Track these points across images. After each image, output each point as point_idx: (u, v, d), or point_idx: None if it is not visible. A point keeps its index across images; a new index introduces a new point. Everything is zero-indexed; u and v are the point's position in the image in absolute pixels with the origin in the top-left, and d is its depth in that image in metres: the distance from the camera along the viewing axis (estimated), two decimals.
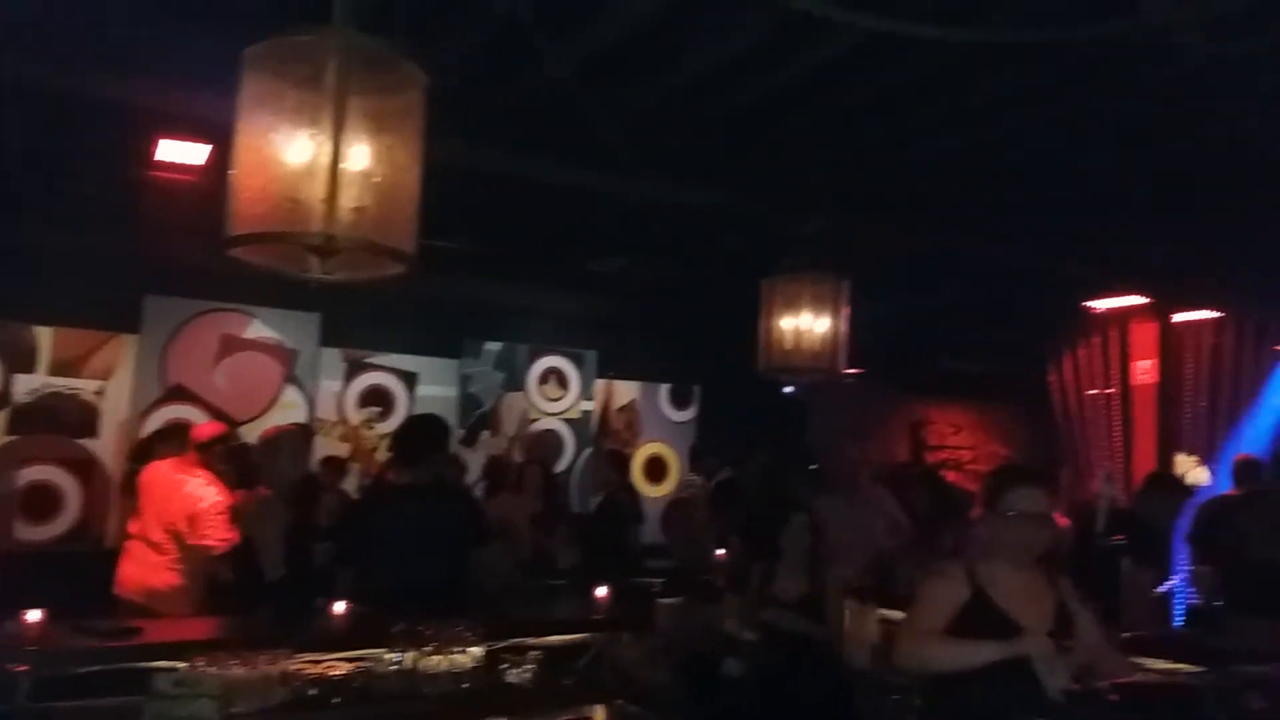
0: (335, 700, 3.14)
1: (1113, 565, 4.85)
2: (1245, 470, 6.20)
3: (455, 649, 3.31)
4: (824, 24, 3.55)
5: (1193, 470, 8.50)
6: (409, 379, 7.82)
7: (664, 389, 8.99)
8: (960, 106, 4.77)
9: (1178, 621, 6.29)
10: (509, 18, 3.84)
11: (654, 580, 5.56)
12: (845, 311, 5.35)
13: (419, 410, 7.28)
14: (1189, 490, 6.34)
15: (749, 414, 8.30)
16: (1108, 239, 6.20)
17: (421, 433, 4.53)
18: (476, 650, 3.37)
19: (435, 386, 7.91)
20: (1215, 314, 7.30)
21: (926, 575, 3.01)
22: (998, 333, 8.32)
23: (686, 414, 9.07)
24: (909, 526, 5.95)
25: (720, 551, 5.97)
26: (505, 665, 3.41)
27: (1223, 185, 5.46)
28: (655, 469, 8.85)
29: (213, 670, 2.92)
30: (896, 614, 3.93)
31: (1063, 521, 5.56)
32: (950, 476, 10.72)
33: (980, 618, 2.74)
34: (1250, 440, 8.58)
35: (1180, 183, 5.55)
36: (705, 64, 4.39)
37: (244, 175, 2.56)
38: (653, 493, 8.64)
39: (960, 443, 10.98)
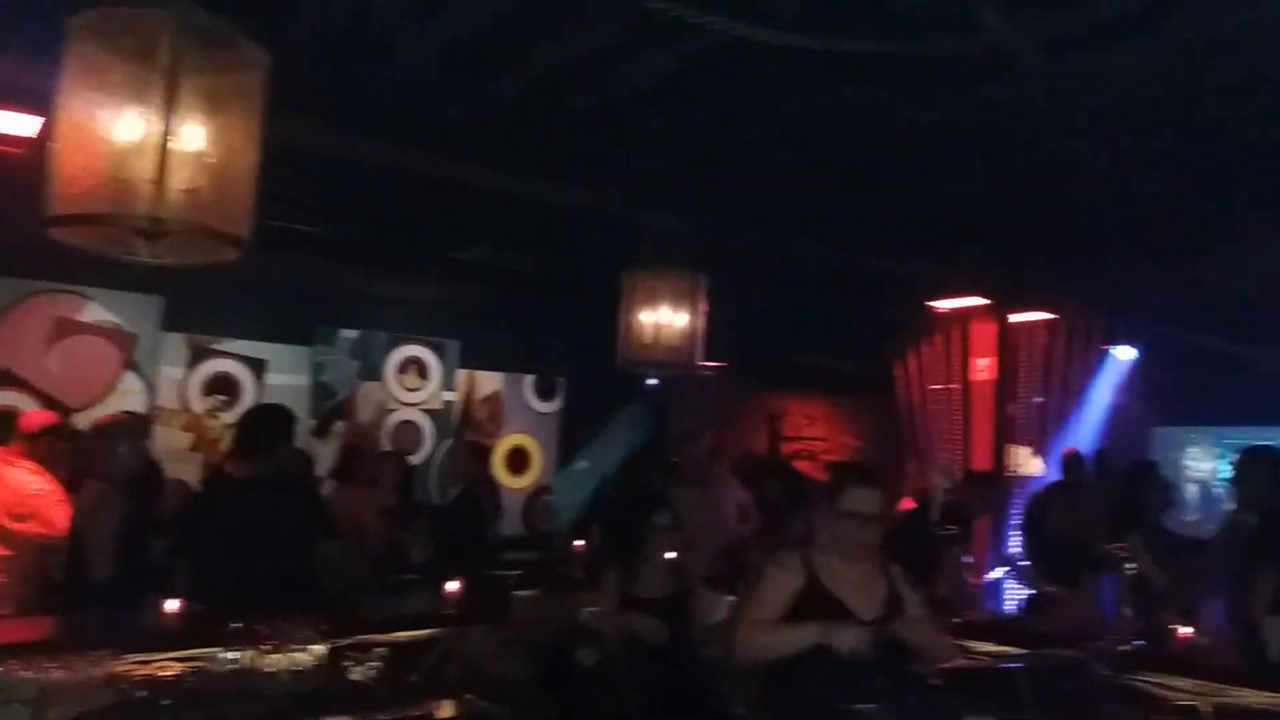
0: (165, 702, 3.00)
1: (944, 553, 5.13)
2: (1069, 463, 6.64)
3: (295, 647, 3.22)
4: (680, 24, 3.60)
5: (1027, 461, 9.06)
6: (258, 366, 7.54)
7: (528, 380, 8.95)
8: (812, 112, 4.93)
9: (1009, 606, 6.69)
10: (362, 2, 3.75)
11: (511, 573, 5.54)
12: (703, 307, 5.47)
13: (268, 399, 7.02)
14: (999, 484, 6.71)
15: (613, 406, 8.37)
16: (950, 244, 6.52)
17: (264, 423, 4.38)
18: (318, 648, 3.29)
19: (286, 375, 7.64)
20: (1048, 315, 7.78)
21: (766, 564, 3.12)
22: (850, 329, 8.66)
23: (551, 405, 9.05)
24: (760, 516, 6.13)
25: (578, 543, 6.01)
26: (349, 663, 3.33)
27: (1056, 196, 5.82)
28: (518, 460, 8.80)
29: (27, 674, 2.76)
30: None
31: (908, 504, 5.85)
32: (804, 466, 11.12)
33: (813, 605, 2.85)
34: (1080, 433, 9.22)
35: (1016, 193, 5.88)
36: (564, 59, 4.39)
37: (66, 151, 2.43)
38: (515, 484, 8.61)
39: (815, 434, 11.34)
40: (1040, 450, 8.77)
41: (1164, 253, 6.25)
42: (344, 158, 5.01)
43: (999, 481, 6.22)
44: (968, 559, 5.36)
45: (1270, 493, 4.65)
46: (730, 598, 4.45)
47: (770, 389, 11.16)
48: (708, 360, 5.64)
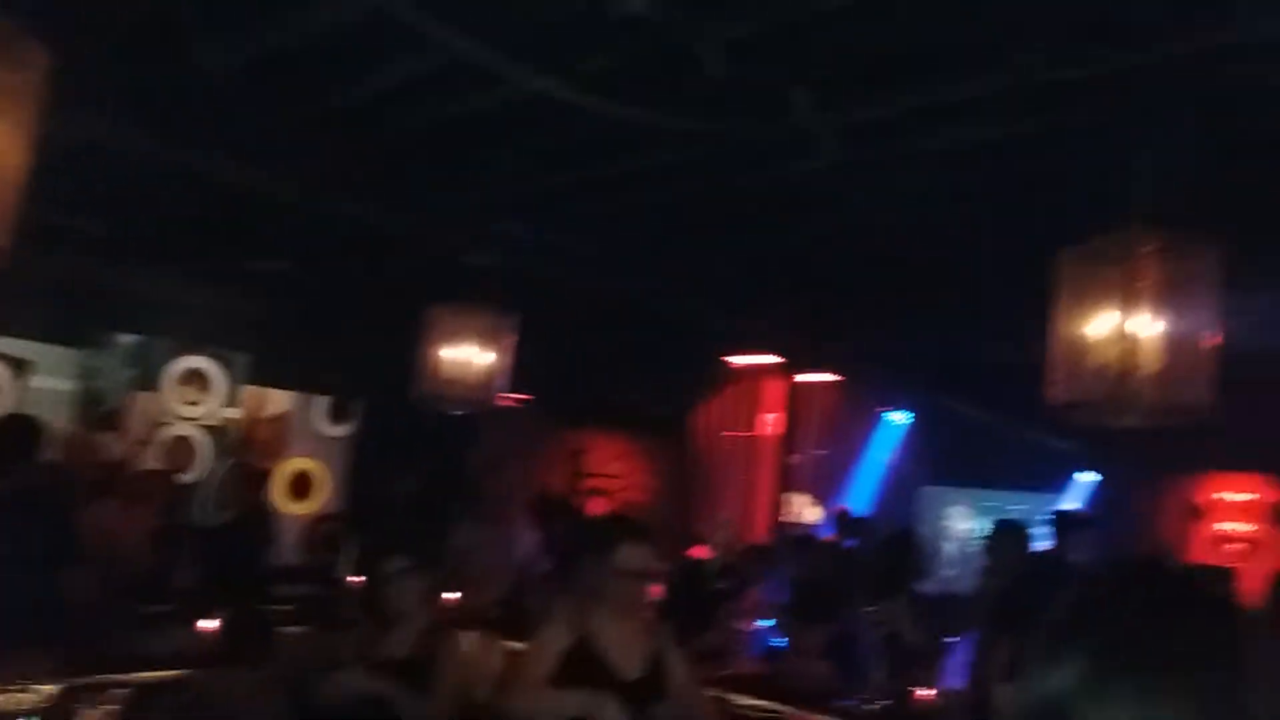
0: None
1: (719, 607, 5.30)
2: (841, 521, 7.03)
3: (17, 685, 2.96)
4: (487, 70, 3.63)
5: (807, 508, 9.53)
6: (20, 367, 6.92)
7: (320, 401, 8.60)
8: (627, 165, 5.06)
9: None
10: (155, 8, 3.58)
11: (280, 607, 5.28)
12: (510, 343, 5.46)
13: (30, 403, 6.44)
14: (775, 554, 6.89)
15: (412, 434, 8.18)
16: (749, 302, 6.83)
17: (8, 437, 4.02)
18: (47, 688, 3.03)
19: (52, 378, 7.05)
20: (832, 377, 8.27)
21: (542, 621, 3.13)
22: (655, 373, 8.86)
23: (342, 429, 8.73)
24: (549, 558, 6.13)
25: (354, 579, 5.81)
26: (81, 705, 3.09)
27: (843, 265, 6.20)
28: (301, 485, 8.43)
29: None
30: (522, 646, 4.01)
31: (700, 552, 6.00)
32: (601, 504, 11.23)
33: (580, 665, 2.88)
34: (857, 488, 9.81)
35: (812, 259, 6.24)
36: (386, 83, 4.33)
37: None
38: (297, 510, 8.24)
39: (615, 471, 11.49)
40: (820, 500, 9.26)
41: (935, 325, 6.77)
42: (133, 157, 4.72)
43: (776, 553, 6.42)
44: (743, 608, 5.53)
45: (1016, 562, 5.04)
46: (507, 642, 4.44)
47: (574, 425, 11.24)
48: (513, 393, 5.64)
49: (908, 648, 4.84)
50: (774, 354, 7.76)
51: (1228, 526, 10.33)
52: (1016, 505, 11.25)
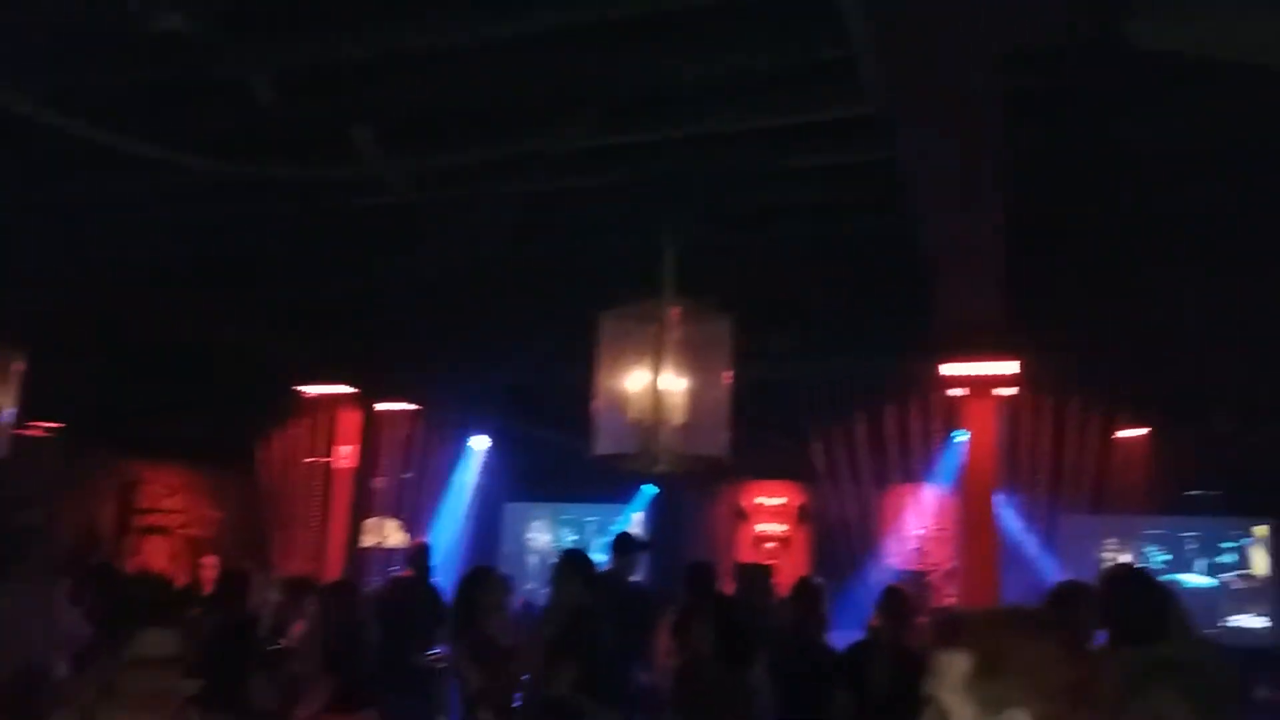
0: None
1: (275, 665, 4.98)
2: (415, 556, 6.93)
3: None
4: None
5: (394, 534, 9.39)
6: None
7: None
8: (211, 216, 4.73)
9: None
10: None
11: None
12: (15, 372, 4.80)
13: None
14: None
15: None
16: (322, 333, 6.61)
17: None
18: None
19: None
20: (410, 406, 8.24)
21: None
22: (222, 402, 8.26)
23: None
24: (86, 630, 5.31)
25: None
26: None
27: (415, 299, 6.20)
28: None
29: None
30: None
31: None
32: (159, 542, 10.19)
33: None
34: (445, 512, 9.85)
35: (387, 293, 6.16)
36: None
37: None
38: None
39: (174, 506, 10.50)
40: (407, 526, 9.16)
41: (504, 354, 7.01)
42: None
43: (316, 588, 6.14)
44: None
45: (580, 594, 5.24)
46: None
47: (126, 455, 10.10)
48: (44, 421, 4.96)
49: (471, 688, 4.88)
50: (349, 384, 7.59)
51: (765, 528, 11.77)
52: (590, 517, 12.02)
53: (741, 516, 11.94)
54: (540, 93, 3.65)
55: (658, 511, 11.77)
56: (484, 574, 5.63)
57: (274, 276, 5.85)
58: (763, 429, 8.75)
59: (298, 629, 5.11)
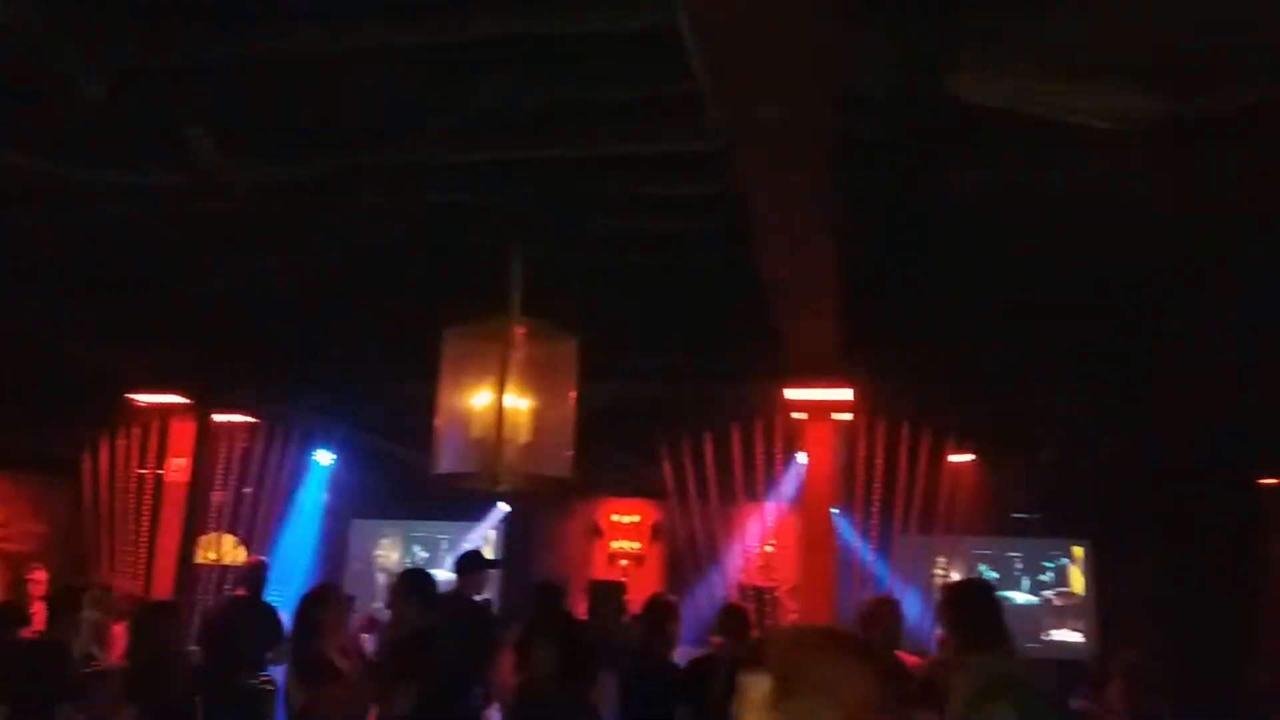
0: None
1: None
2: (250, 574, 6.68)
3: None
4: None
5: (233, 550, 8.99)
6: None
7: None
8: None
9: None
10: None
11: None
12: None
13: None
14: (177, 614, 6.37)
15: None
16: (154, 340, 6.32)
17: None
18: None
19: None
20: (249, 418, 7.94)
21: None
22: (44, 408, 7.79)
23: None
24: None
25: None
26: None
27: (259, 309, 5.99)
28: None
29: None
30: None
31: None
32: None
33: None
34: (289, 528, 9.50)
35: (224, 300, 5.92)
36: None
37: None
38: None
39: None
40: (246, 542, 8.78)
41: (352, 368, 6.85)
42: None
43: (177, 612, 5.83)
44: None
45: (418, 615, 5.14)
46: None
47: None
48: None
49: (294, 708, 4.72)
50: (182, 394, 7.25)
51: (620, 545, 11.86)
52: (442, 535, 11.84)
53: (596, 533, 12.00)
54: (387, 107, 3.60)
55: (512, 529, 11.70)
56: (324, 591, 5.44)
57: (107, 282, 5.55)
58: (617, 448, 8.84)
59: (115, 652, 4.84)
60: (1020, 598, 10.98)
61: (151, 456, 7.37)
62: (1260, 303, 5.10)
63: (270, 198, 4.35)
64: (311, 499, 9.83)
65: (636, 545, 11.80)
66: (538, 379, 4.00)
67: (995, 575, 10.90)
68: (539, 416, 4.01)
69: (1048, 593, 11.19)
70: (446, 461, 4.03)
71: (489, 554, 11.42)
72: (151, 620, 4.82)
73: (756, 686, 1.59)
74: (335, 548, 11.03)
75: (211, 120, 3.76)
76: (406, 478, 9.79)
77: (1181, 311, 5.34)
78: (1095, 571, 10.89)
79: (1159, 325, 5.53)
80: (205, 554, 8.38)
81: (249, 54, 3.38)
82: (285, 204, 4.54)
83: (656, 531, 11.72)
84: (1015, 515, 10.43)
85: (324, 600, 5.34)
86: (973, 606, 3.64)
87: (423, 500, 10.17)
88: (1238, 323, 5.48)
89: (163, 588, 7.42)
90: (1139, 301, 5.28)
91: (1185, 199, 3.94)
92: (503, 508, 11.49)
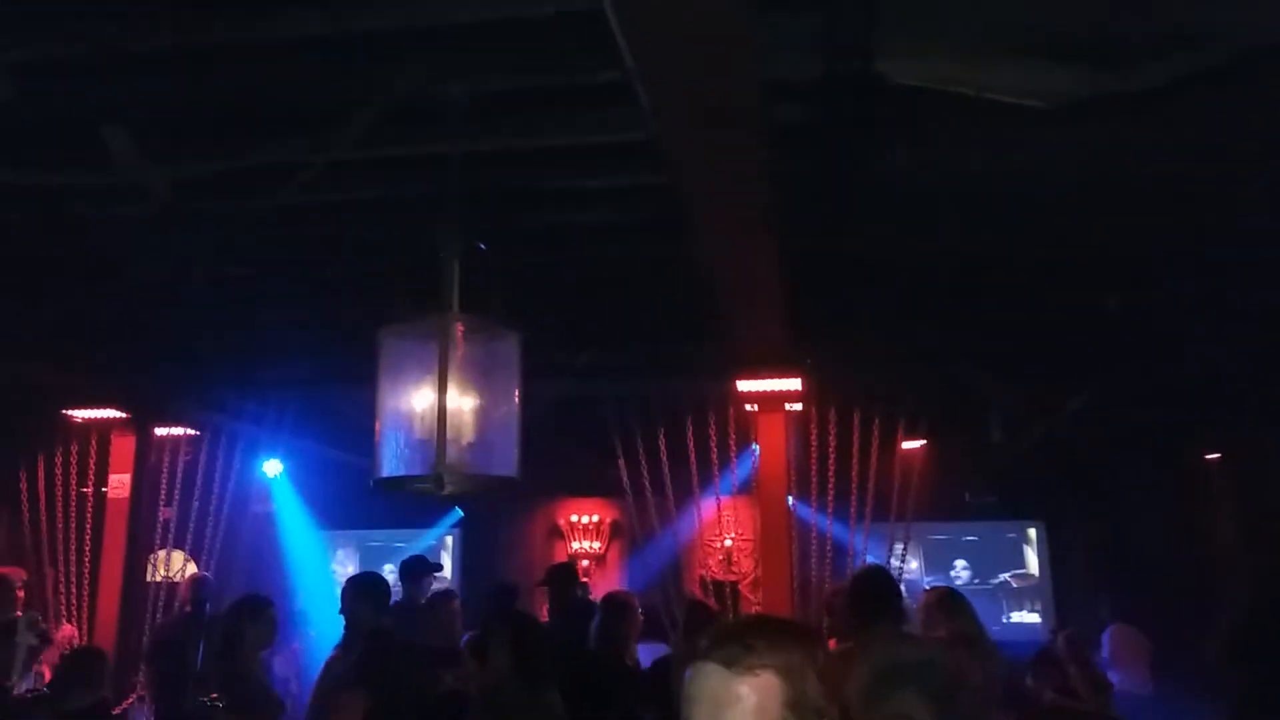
0: None
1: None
2: (193, 589, 6.53)
3: None
4: None
5: (182, 565, 8.80)
6: None
7: None
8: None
9: None
10: None
11: None
12: None
13: None
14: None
15: None
16: (90, 354, 6.14)
17: None
18: None
19: None
20: (191, 431, 7.78)
21: None
22: None
23: None
24: None
25: None
26: None
27: (190, 318, 5.84)
28: None
29: None
30: None
31: None
32: None
33: None
34: (234, 540, 9.29)
35: (153, 312, 5.77)
36: None
37: None
38: None
39: None
40: (195, 557, 8.61)
41: (290, 375, 6.72)
42: None
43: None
44: None
45: (372, 618, 5.02)
46: None
47: None
48: None
49: None
50: (120, 408, 7.06)
51: (581, 545, 11.80)
52: (399, 543, 11.67)
53: (557, 535, 11.93)
54: (307, 99, 3.52)
55: (471, 534, 11.59)
56: (253, 603, 5.25)
57: (20, 290, 5.35)
58: (573, 447, 8.78)
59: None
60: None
61: (92, 473, 7.17)
62: (1197, 280, 5.18)
63: (190, 197, 4.24)
64: (260, 511, 9.64)
65: (597, 545, 11.75)
66: (480, 377, 3.91)
67: (969, 571, 11.07)
68: (483, 415, 3.92)
69: (1005, 575, 11.35)
70: (389, 465, 3.93)
71: (446, 560, 11.33)
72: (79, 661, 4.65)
73: (708, 676, 1.59)
74: (286, 560, 10.82)
75: (128, 117, 3.65)
76: (358, 485, 9.66)
77: (1118, 291, 5.40)
78: (1050, 552, 11.05)
79: (1097, 305, 5.60)
80: (156, 571, 8.19)
81: (163, 46, 3.27)
82: (206, 204, 4.43)
83: (615, 530, 11.68)
84: (969, 499, 10.54)
85: (252, 611, 5.15)
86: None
87: (378, 508, 10.03)
88: (1175, 300, 5.56)
89: (108, 608, 7.24)
90: (1075, 281, 5.34)
91: (1112, 177, 3.97)
92: (458, 512, 11.38)
